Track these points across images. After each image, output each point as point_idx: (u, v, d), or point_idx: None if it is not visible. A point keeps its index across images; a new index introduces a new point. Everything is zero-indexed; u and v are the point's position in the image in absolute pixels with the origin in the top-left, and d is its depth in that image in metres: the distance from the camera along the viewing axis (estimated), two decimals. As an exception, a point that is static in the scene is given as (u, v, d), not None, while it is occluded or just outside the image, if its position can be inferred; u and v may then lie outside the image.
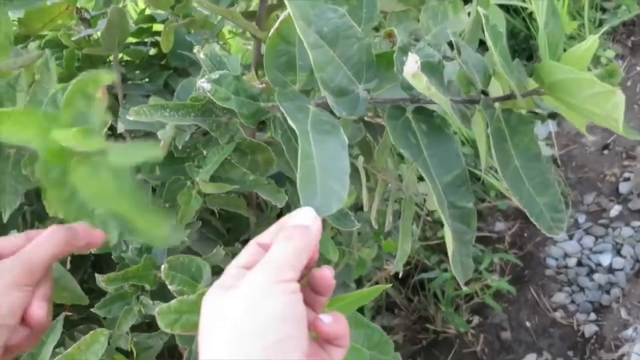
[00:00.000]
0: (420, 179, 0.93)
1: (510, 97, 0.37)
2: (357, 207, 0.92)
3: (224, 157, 0.59)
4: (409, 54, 0.35)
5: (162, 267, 0.53)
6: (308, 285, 0.35)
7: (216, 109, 0.54)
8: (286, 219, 0.35)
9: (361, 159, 0.73)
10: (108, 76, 0.49)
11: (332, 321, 0.33)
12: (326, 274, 0.35)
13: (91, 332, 0.54)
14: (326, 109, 0.42)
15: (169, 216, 0.52)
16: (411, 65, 0.35)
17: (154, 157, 0.49)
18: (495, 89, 0.40)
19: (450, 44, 0.59)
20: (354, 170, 0.89)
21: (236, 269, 0.34)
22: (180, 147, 0.59)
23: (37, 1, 0.57)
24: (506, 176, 0.36)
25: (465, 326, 1.21)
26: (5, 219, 0.59)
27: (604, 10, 2.00)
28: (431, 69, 0.38)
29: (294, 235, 0.33)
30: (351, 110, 0.41)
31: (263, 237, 0.35)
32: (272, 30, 0.42)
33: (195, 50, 0.51)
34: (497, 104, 0.38)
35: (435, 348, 1.20)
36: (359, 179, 0.92)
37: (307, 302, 0.34)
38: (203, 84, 0.43)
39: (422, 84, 0.34)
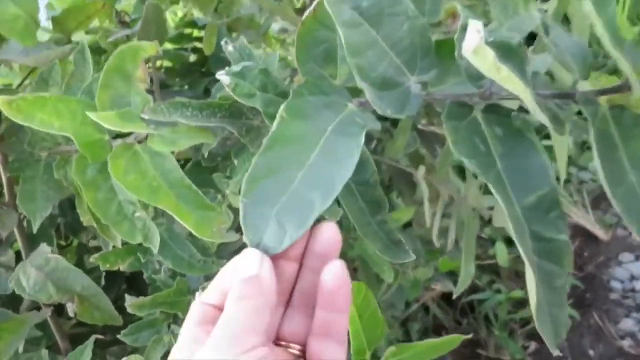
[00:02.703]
0: (487, 191, 0.82)
1: (621, 88, 0.26)
2: (404, 224, 0.82)
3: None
4: (470, 21, 0.24)
5: (197, 294, 0.44)
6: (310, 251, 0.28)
7: (247, 110, 0.45)
8: (231, 267, 0.28)
9: (422, 169, 0.62)
10: (149, 47, 0.42)
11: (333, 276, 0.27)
12: (330, 232, 0.28)
13: (124, 359, 0.46)
14: (369, 109, 0.32)
15: (222, 212, 0.43)
16: (472, 37, 0.24)
17: (206, 142, 0.41)
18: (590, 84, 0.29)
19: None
20: (408, 183, 0.79)
21: (190, 331, 0.27)
22: (206, 155, 0.50)
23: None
24: (617, 196, 0.24)
25: (521, 353, 1.07)
26: (35, 228, 0.52)
27: (668, 14, 1.79)
28: (507, 51, 0.27)
29: (245, 293, 0.26)
30: (398, 107, 0.31)
31: (207, 295, 0.28)
32: (306, 13, 0.33)
33: (222, 43, 0.43)
34: (601, 99, 0.27)
35: (488, 376, 1.05)
36: (410, 192, 0.81)
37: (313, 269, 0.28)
38: (222, 76, 0.34)
39: (488, 62, 0.24)
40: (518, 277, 1.22)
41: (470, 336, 0.41)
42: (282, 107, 0.31)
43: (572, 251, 0.27)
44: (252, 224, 0.27)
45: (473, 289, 1.16)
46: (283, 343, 0.28)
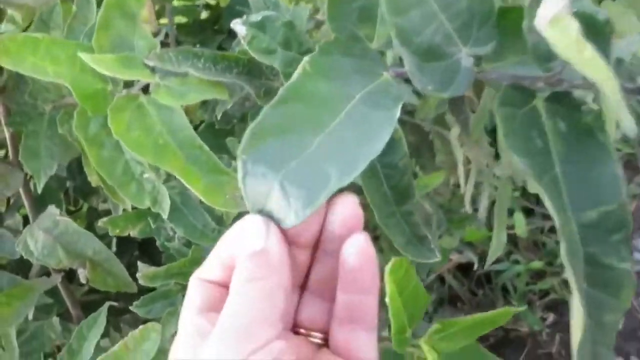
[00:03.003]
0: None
1: None
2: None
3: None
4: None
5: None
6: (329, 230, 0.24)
7: (267, 69, 0.41)
8: (232, 234, 0.23)
9: (456, 130, 0.57)
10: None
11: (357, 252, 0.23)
12: (349, 208, 0.23)
13: (141, 327, 0.44)
14: (407, 81, 0.28)
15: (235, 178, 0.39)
16: (554, 2, 0.19)
17: (220, 98, 0.37)
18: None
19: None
20: (429, 149, 0.75)
21: (192, 321, 0.23)
22: (219, 117, 0.46)
23: None
24: None
25: (540, 324, 1.05)
26: (40, 187, 0.50)
27: None
28: (591, 27, 0.21)
29: (252, 273, 0.22)
30: (443, 83, 0.27)
31: (207, 269, 0.25)
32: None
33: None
34: None
35: (505, 347, 1.05)
36: (431, 160, 0.77)
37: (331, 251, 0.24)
38: (237, 25, 0.30)
39: (570, 37, 0.19)
40: (537, 248, 1.18)
41: (523, 309, 0.39)
42: (306, 58, 0.27)
43: (634, 283, 0.23)
44: (252, 186, 0.23)
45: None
46: (302, 331, 0.25)
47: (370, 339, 0.24)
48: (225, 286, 0.24)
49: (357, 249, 0.22)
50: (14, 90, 0.50)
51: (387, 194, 0.36)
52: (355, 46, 0.30)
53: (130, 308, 0.48)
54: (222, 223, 0.47)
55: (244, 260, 0.22)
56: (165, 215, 0.41)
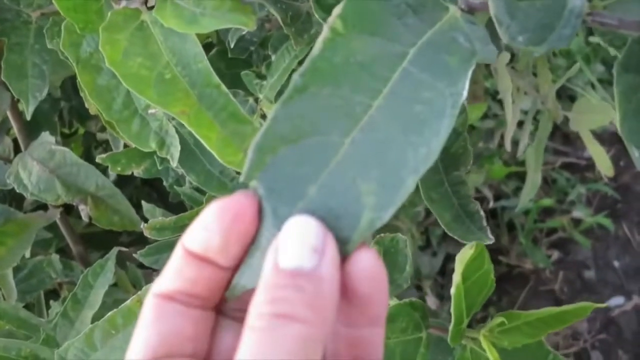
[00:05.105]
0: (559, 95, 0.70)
1: None
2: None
3: (295, 63, 0.38)
4: None
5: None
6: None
7: (294, -14, 0.34)
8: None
9: (506, 56, 0.50)
10: None
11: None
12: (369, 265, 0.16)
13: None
14: (471, 18, 0.21)
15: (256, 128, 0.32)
16: None
17: (246, 26, 0.30)
18: None
19: None
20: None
21: None
22: (233, 44, 0.39)
23: None
24: None
25: (546, 262, 1.04)
26: (29, 113, 0.43)
27: None
28: None
29: (292, 307, 0.14)
30: (539, 31, 0.20)
31: (170, 282, 0.18)
32: None
33: None
34: None
35: (508, 283, 1.04)
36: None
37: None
38: None
39: None
40: (546, 184, 1.15)
41: (605, 306, 0.34)
42: (335, 11, 0.18)
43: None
44: (267, 216, 0.16)
45: (498, 195, 1.10)
46: None
47: None
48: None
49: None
50: (-9, -9, 0.41)
51: (435, 160, 0.31)
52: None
53: (135, 256, 0.43)
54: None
55: (281, 280, 0.14)
56: (173, 163, 0.35)
